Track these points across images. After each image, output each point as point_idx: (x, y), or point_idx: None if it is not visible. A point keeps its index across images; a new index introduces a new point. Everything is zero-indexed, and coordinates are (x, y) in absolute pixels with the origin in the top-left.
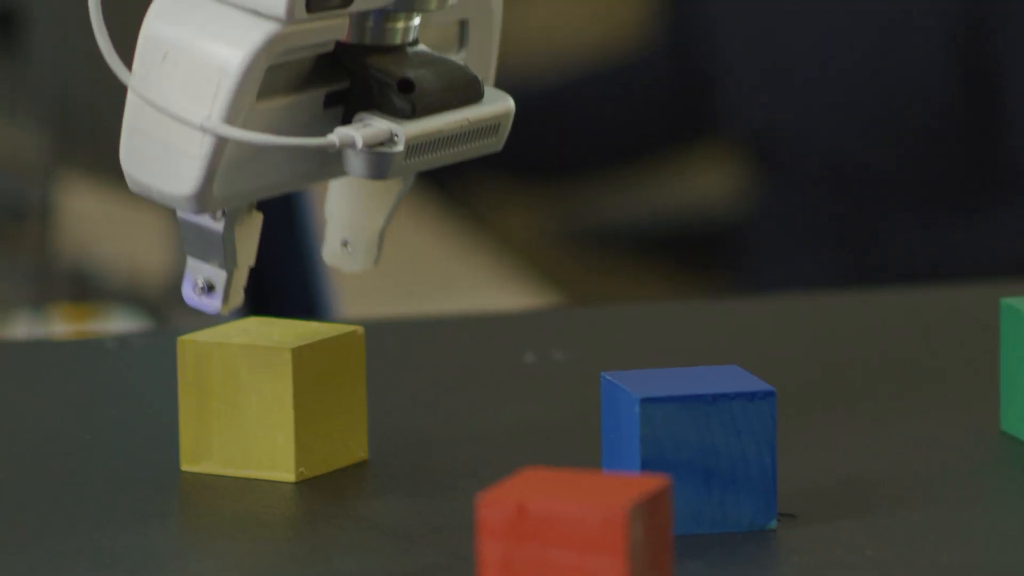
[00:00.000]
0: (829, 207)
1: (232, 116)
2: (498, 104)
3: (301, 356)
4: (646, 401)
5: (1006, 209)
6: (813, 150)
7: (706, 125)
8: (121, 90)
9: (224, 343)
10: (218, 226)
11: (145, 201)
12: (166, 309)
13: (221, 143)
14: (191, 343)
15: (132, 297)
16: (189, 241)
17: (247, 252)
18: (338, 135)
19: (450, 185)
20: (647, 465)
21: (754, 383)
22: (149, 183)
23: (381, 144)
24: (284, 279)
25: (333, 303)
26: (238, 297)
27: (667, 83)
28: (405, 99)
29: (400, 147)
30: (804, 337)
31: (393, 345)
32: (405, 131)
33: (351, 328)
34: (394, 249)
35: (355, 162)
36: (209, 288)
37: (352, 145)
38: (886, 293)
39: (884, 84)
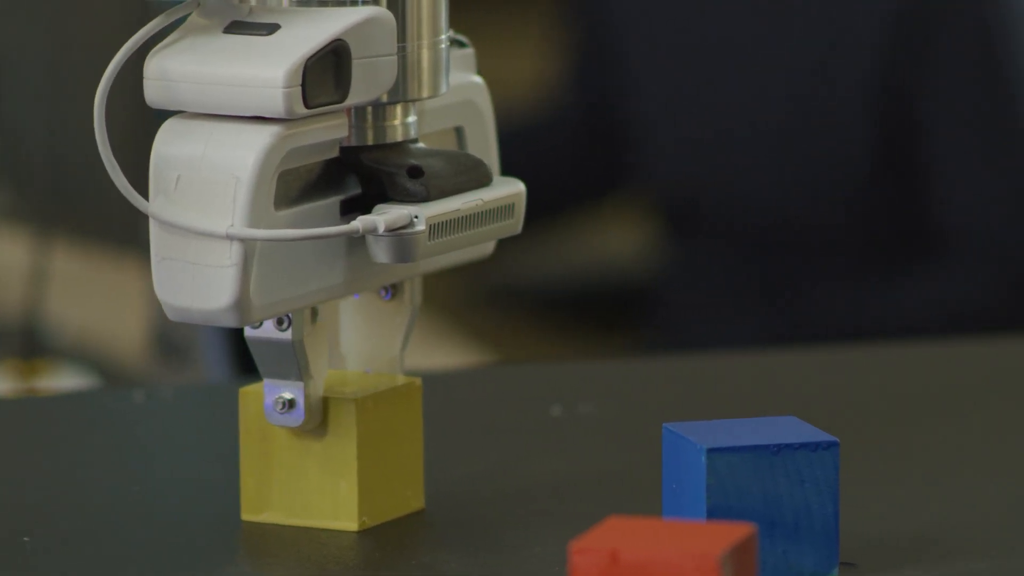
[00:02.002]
0: (746, 265)
1: (254, 220)
2: (509, 187)
3: (365, 407)
4: (712, 451)
5: (927, 267)
6: (730, 207)
7: (622, 182)
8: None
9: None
10: (287, 335)
11: (118, 262)
12: (118, 366)
13: (250, 248)
14: (255, 394)
15: (82, 354)
16: (263, 361)
17: (319, 364)
18: (361, 221)
19: None
20: (712, 514)
21: (816, 434)
22: (188, 306)
23: (403, 228)
24: None
25: None
26: (319, 411)
27: (582, 139)
28: (417, 183)
29: (422, 227)
30: (791, 392)
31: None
32: (425, 212)
33: (409, 379)
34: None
35: (380, 248)
36: (289, 405)
37: (374, 230)
38: (830, 350)
39: (803, 141)
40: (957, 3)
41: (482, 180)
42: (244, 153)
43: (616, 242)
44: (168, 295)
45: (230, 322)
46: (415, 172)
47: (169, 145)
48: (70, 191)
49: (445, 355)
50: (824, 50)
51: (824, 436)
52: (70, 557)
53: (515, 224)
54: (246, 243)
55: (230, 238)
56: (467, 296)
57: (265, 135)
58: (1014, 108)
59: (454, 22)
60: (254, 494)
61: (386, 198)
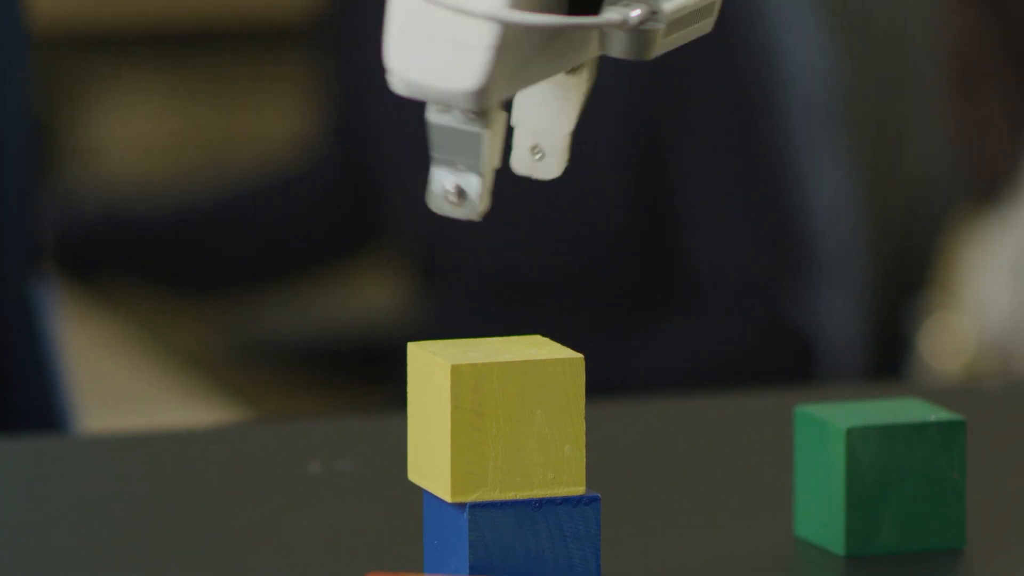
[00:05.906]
0: (501, 318)
1: (514, 3)
2: None
3: (581, 366)
4: (475, 507)
5: (683, 320)
6: (484, 260)
7: (376, 236)
8: None
9: (504, 363)
10: (475, 127)
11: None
12: None
13: (506, 32)
14: (469, 368)
15: None
16: (439, 146)
17: (495, 154)
18: (618, 12)
19: (108, 296)
20: (475, 570)
21: None
22: (425, 82)
23: (642, 23)
24: (25, 390)
25: (74, 414)
26: (487, 201)
27: (336, 194)
28: None
29: (662, 24)
30: None
31: (165, 457)
32: (665, 6)
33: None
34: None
35: (617, 42)
36: (459, 194)
37: (624, 23)
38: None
39: (558, 194)
40: (710, 57)
41: None
42: None
43: (371, 297)
44: (407, 69)
45: (467, 105)
46: None
47: None
48: None
49: (199, 412)
50: None
51: None
52: None
53: (710, 23)
54: (504, 25)
55: (491, 18)
56: (221, 352)
57: None
58: (765, 162)
59: (207, 73)
60: (466, 472)
61: None
